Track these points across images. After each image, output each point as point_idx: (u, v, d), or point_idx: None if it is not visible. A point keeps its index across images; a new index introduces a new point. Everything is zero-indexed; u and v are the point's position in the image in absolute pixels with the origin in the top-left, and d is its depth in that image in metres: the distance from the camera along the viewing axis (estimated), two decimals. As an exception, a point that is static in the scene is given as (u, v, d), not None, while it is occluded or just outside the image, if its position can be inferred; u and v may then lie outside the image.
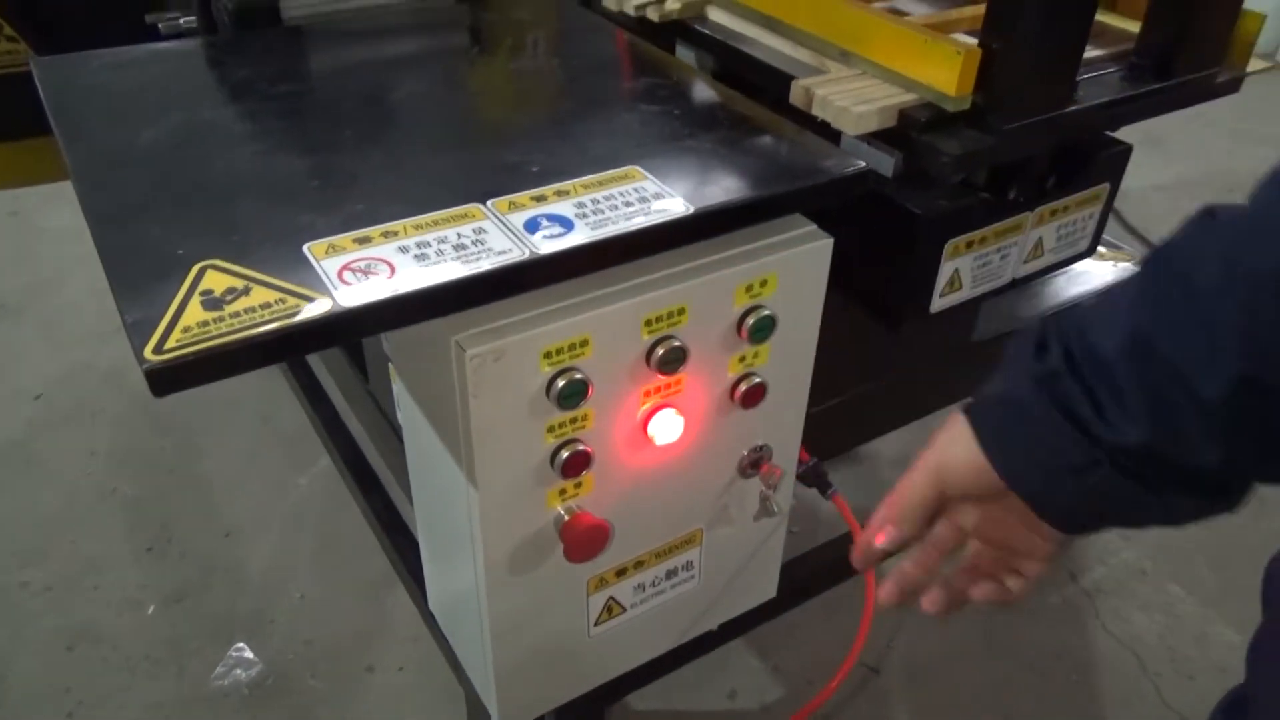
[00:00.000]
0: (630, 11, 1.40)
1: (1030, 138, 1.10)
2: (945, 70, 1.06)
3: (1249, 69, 1.30)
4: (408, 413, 1.05)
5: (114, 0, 1.61)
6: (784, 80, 1.19)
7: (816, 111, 1.11)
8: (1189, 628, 1.85)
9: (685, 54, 1.41)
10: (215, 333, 0.72)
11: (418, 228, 0.86)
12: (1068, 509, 0.63)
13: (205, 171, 0.95)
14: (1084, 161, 1.29)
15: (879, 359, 1.45)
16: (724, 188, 0.94)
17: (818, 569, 1.55)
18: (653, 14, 1.39)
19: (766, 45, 1.30)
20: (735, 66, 1.30)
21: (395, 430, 1.19)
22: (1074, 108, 1.11)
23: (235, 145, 1.01)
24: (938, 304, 1.25)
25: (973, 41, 1.07)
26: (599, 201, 0.90)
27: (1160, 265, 0.59)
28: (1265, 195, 0.55)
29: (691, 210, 0.89)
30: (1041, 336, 0.62)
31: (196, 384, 0.71)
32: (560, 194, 0.91)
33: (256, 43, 1.32)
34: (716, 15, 1.39)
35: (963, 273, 1.24)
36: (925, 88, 1.09)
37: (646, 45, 1.34)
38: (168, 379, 0.70)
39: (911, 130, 1.08)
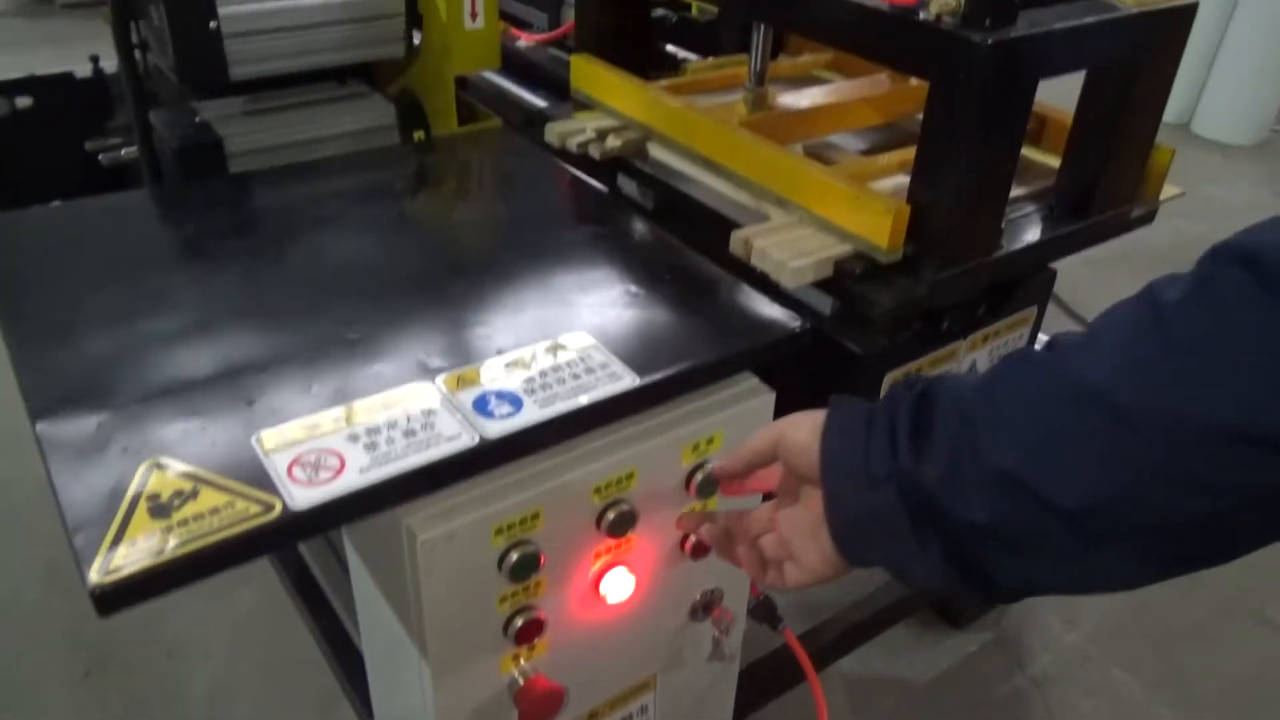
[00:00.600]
0: (573, 149, 1.44)
1: (960, 285, 1.15)
2: (877, 225, 1.11)
3: (1163, 196, 1.37)
4: (360, 579, 1.05)
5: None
6: (724, 224, 1.23)
7: (755, 262, 1.15)
8: (1135, 713, 1.89)
9: (628, 187, 1.46)
10: (162, 546, 0.72)
11: (368, 411, 0.86)
12: (847, 516, 0.69)
13: (149, 352, 0.95)
14: (1012, 289, 1.34)
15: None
16: (670, 353, 0.96)
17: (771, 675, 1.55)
18: (594, 151, 1.42)
19: (707, 185, 1.34)
20: (676, 206, 1.34)
21: (340, 559, 1.19)
22: (1000, 253, 1.17)
23: (180, 319, 1.01)
24: None
25: (906, 182, 1.12)
26: (547, 374, 0.92)
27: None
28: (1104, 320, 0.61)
29: (639, 383, 0.92)
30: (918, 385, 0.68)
31: (144, 600, 0.71)
32: (509, 366, 0.93)
33: (201, 195, 1.32)
34: (657, 153, 1.43)
35: None
36: (859, 239, 1.14)
37: (594, 188, 1.37)
38: (115, 599, 0.69)
39: (847, 280, 1.13)
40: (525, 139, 1.54)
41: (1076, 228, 1.24)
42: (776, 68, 1.61)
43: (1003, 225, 1.18)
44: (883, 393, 1.22)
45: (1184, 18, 1.18)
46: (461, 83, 1.64)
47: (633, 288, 1.09)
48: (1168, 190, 1.38)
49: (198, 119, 1.50)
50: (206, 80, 1.43)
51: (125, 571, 0.69)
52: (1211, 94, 4.50)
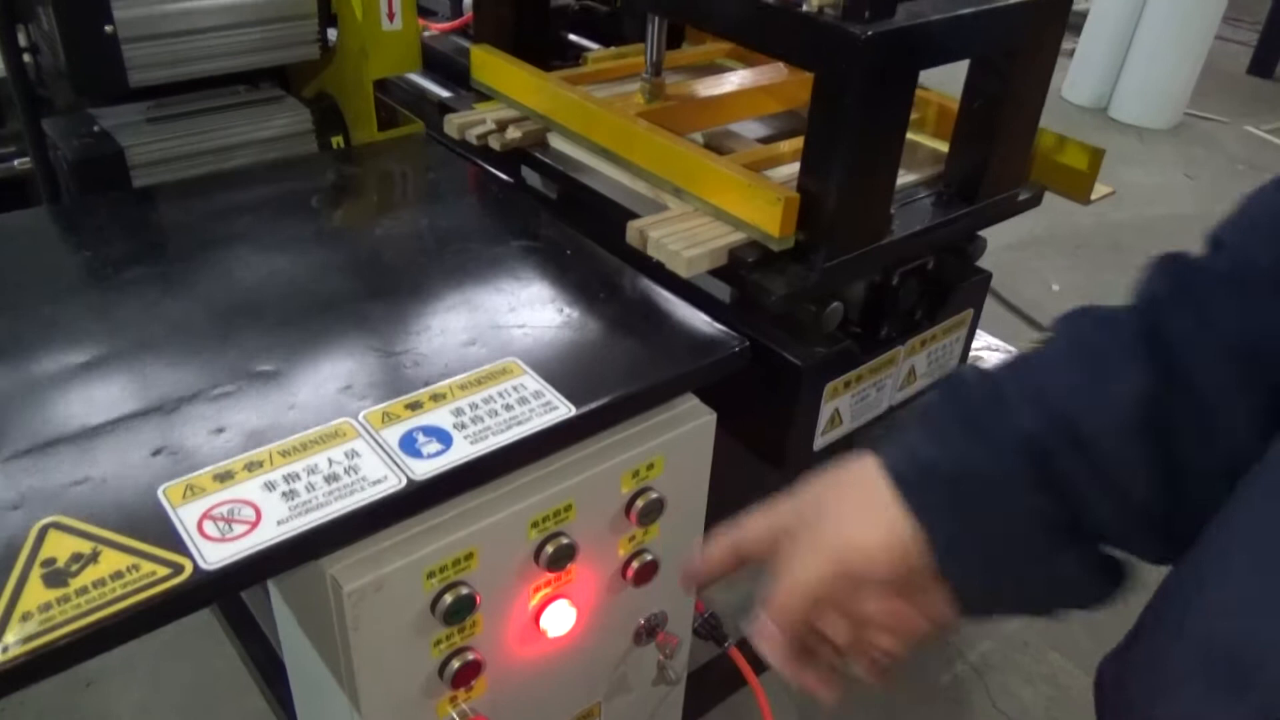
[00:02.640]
0: (473, 141, 1.42)
1: (851, 271, 1.18)
2: (768, 214, 1.12)
3: (1094, 196, 1.37)
4: (286, 626, 0.99)
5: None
6: (623, 214, 1.24)
7: (651, 253, 1.15)
8: (1074, 697, 1.93)
9: (531, 178, 1.45)
10: (60, 619, 0.66)
11: (285, 455, 0.82)
12: (1005, 596, 0.60)
13: (40, 393, 0.88)
14: (948, 293, 1.35)
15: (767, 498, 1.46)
16: (608, 378, 0.93)
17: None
18: (494, 142, 1.41)
19: (606, 176, 1.34)
20: (577, 197, 1.33)
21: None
22: (890, 239, 1.19)
23: (75, 354, 0.94)
24: (820, 442, 1.28)
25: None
26: (477, 406, 0.88)
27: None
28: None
29: (575, 413, 0.88)
30: (996, 391, 0.59)
31: (39, 679, 0.65)
32: (436, 398, 0.89)
33: (100, 212, 1.25)
34: (558, 144, 1.42)
35: (842, 411, 1.29)
36: (752, 228, 1.16)
37: (523, 200, 1.35)
38: (9, 682, 0.63)
39: (741, 269, 1.14)
40: (446, 147, 1.50)
41: (965, 211, 1.28)
42: (677, 56, 1.63)
43: (892, 211, 1.21)
44: (823, 402, 1.22)
45: (1060, 6, 1.23)
46: (380, 83, 1.58)
47: (565, 307, 1.05)
48: (1099, 190, 1.42)
49: (96, 128, 1.40)
50: (102, 89, 1.36)
51: (17, 652, 0.63)
52: (1127, 79, 4.64)
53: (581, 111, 1.35)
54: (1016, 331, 2.90)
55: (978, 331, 1.50)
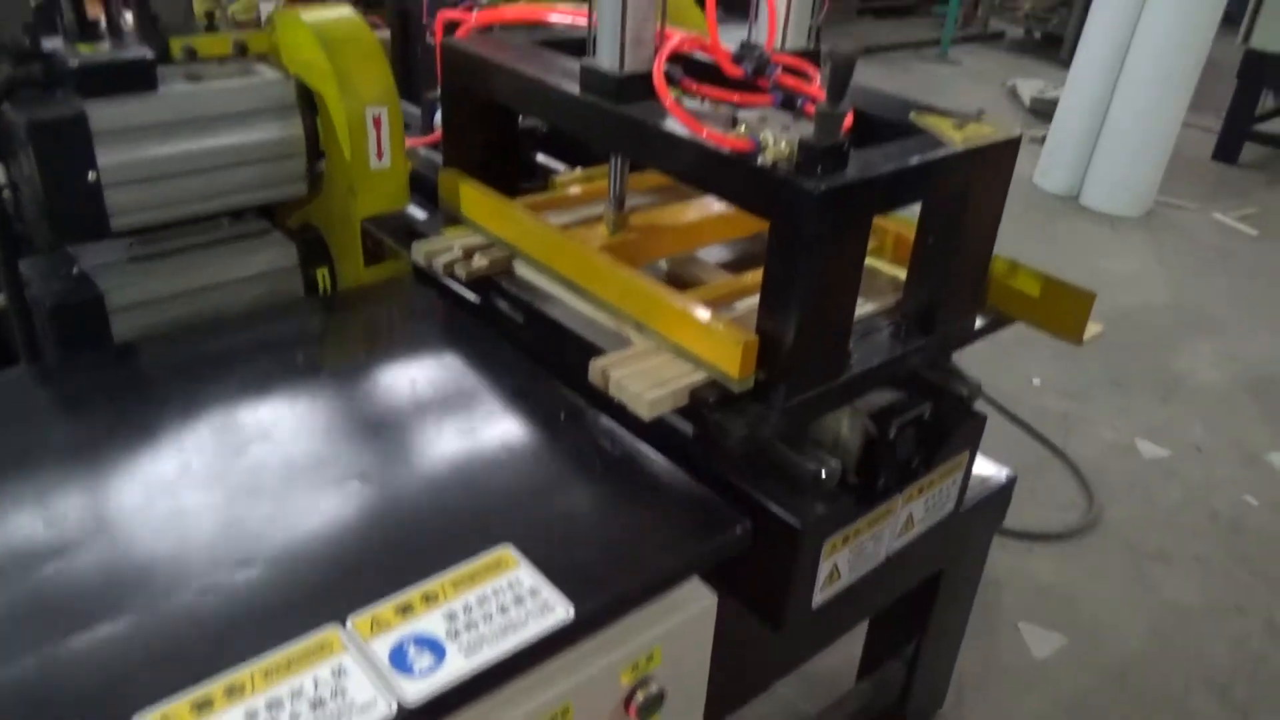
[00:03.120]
0: (440, 270, 1.45)
1: (812, 409, 1.21)
2: (728, 356, 1.16)
3: (1086, 337, 1.42)
4: None
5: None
6: (586, 348, 1.27)
7: (613, 393, 1.18)
8: None
9: (500, 305, 1.47)
10: None
11: (267, 676, 0.77)
12: None
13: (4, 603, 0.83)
14: (944, 438, 1.34)
15: (765, 662, 1.43)
16: (607, 566, 0.91)
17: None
18: (460, 270, 1.44)
19: (570, 307, 1.38)
20: (542, 328, 1.36)
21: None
22: (849, 375, 1.23)
23: (26, 553, 0.88)
24: (819, 599, 1.28)
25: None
26: (471, 609, 0.86)
27: None
28: None
29: (572, 616, 0.86)
30: None
31: None
32: (428, 599, 0.86)
33: (74, 378, 1.21)
34: (524, 271, 1.46)
35: (841, 565, 1.29)
36: (712, 368, 1.19)
37: (513, 357, 1.33)
38: None
39: (702, 409, 1.16)
40: (434, 285, 1.50)
41: (922, 344, 1.31)
42: (643, 179, 1.66)
43: (851, 345, 1.24)
44: (822, 559, 1.22)
45: (1007, 150, 1.28)
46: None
47: (560, 483, 1.04)
48: (1091, 329, 1.44)
49: (76, 269, 1.39)
50: (84, 235, 1.35)
51: None
52: (1097, 168, 4.76)
53: (545, 242, 1.39)
54: (997, 425, 2.92)
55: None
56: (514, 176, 1.64)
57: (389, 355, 1.39)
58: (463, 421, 1.16)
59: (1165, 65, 4.42)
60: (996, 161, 1.28)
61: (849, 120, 1.20)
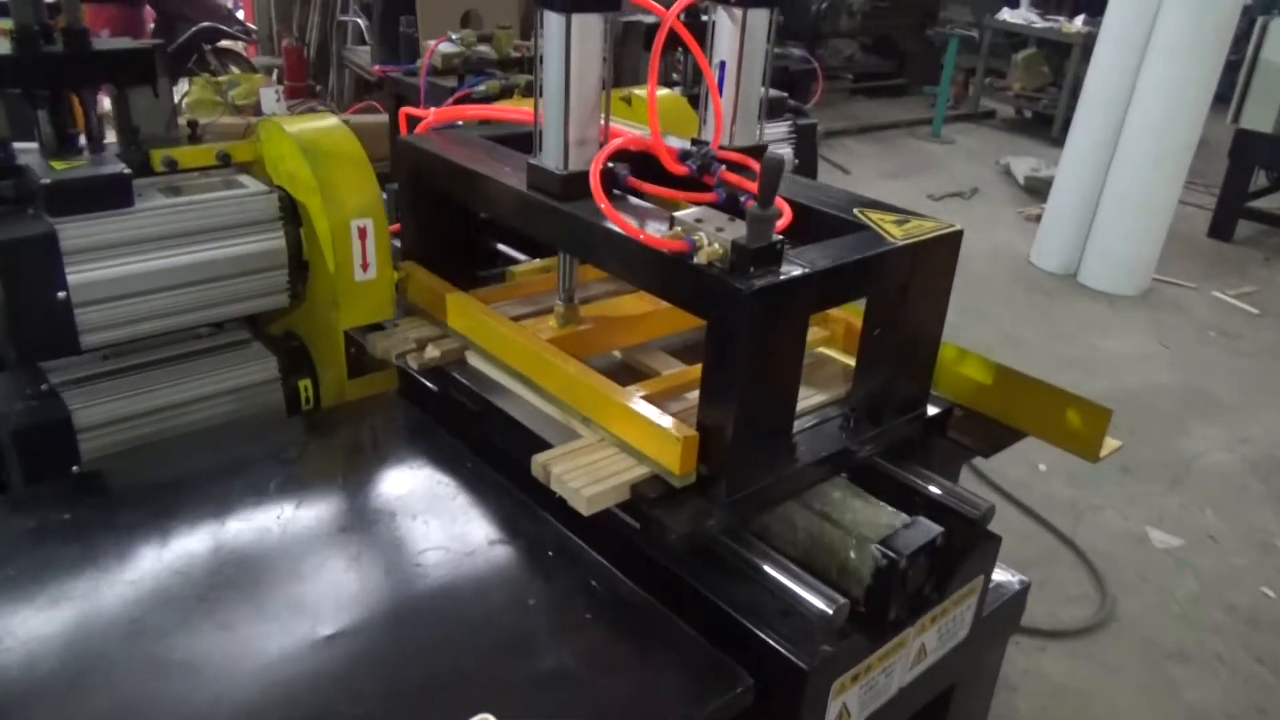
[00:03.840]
0: (393, 360, 1.47)
1: (756, 503, 1.21)
2: (669, 451, 1.17)
3: (1103, 453, 1.40)
4: None
5: None
6: (531, 441, 1.28)
7: (554, 488, 1.19)
8: None
9: (454, 394, 1.47)
10: None
11: None
12: None
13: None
14: (958, 563, 1.26)
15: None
16: None
17: None
18: (412, 361, 1.46)
19: (520, 398, 1.39)
20: (491, 420, 1.37)
21: None
22: (794, 468, 1.23)
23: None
24: None
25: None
26: None
27: None
28: None
29: None
30: None
31: None
32: None
33: (47, 501, 1.17)
34: (475, 362, 1.47)
35: (851, 705, 1.19)
36: (654, 463, 1.20)
37: (499, 484, 1.30)
38: None
39: (643, 504, 1.17)
40: (418, 409, 1.47)
41: (871, 434, 1.32)
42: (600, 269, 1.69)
43: (796, 439, 1.25)
44: (830, 700, 1.15)
45: (949, 243, 1.30)
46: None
47: (545, 635, 1.02)
48: (1109, 445, 1.42)
49: (45, 385, 1.35)
50: (51, 354, 1.32)
51: None
52: (1095, 246, 4.74)
53: (496, 335, 1.41)
54: (1003, 513, 2.83)
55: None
56: (473, 266, 1.68)
57: (364, 485, 1.34)
58: (443, 563, 1.14)
59: (1159, 144, 4.48)
60: (938, 256, 1.30)
61: (787, 218, 1.23)
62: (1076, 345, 4.08)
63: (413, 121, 1.68)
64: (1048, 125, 7.72)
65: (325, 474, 1.34)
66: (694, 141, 1.49)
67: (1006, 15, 7.97)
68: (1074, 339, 4.16)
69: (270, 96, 5.79)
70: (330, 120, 1.53)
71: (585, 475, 1.17)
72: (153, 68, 1.55)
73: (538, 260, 1.74)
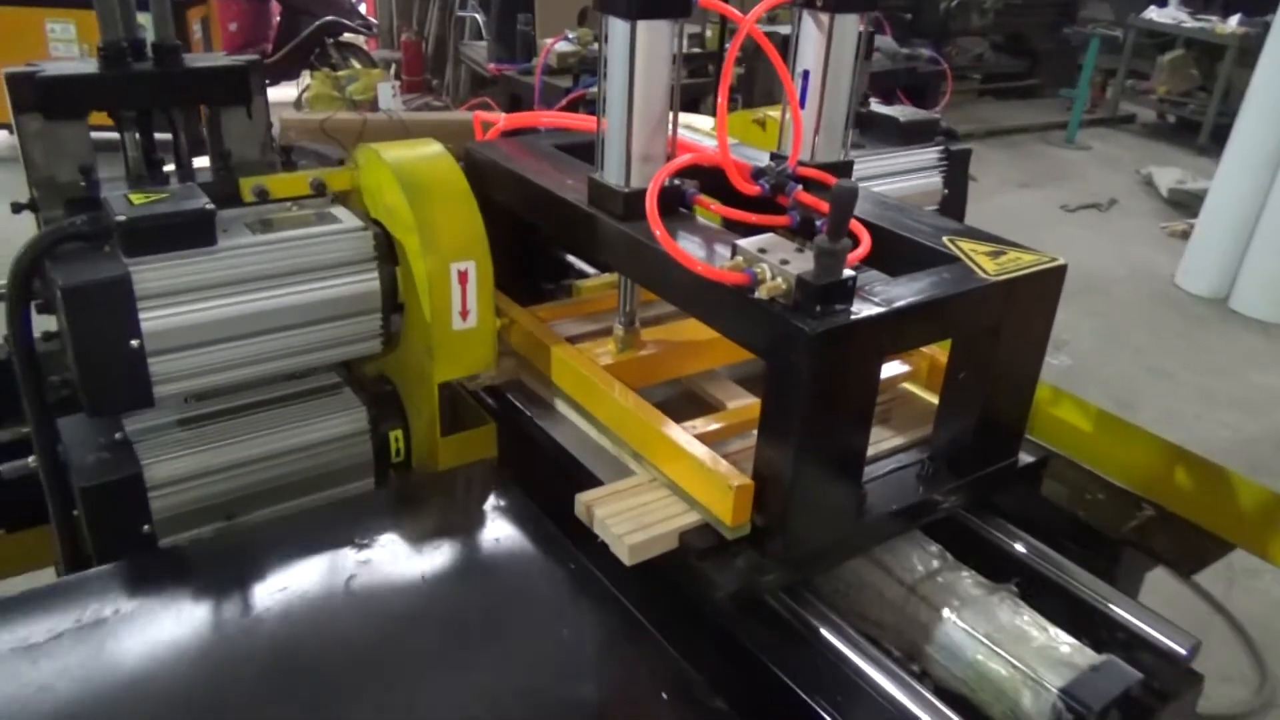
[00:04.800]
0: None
1: (816, 561, 1.13)
2: (721, 500, 1.09)
3: None
4: None
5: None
6: (583, 475, 1.23)
7: (596, 531, 1.13)
8: None
9: (505, 419, 1.43)
10: None
11: None
12: None
13: None
14: (1153, 714, 1.07)
15: None
16: None
17: None
18: (469, 382, 1.42)
19: (573, 425, 1.34)
20: (542, 448, 1.32)
21: None
22: (861, 523, 1.14)
23: None
24: None
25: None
26: None
27: None
28: None
29: None
30: None
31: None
32: None
33: (126, 580, 1.12)
34: (531, 384, 1.42)
35: None
36: (705, 509, 1.12)
37: (600, 583, 1.16)
38: None
39: (690, 556, 1.09)
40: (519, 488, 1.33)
41: (952, 486, 1.22)
42: None
43: (865, 489, 1.15)
44: None
45: (1051, 280, 1.18)
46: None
47: None
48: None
49: (119, 434, 1.27)
50: (122, 407, 1.24)
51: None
52: (1249, 271, 4.39)
53: (553, 359, 1.35)
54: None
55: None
56: (537, 278, 1.63)
57: (452, 575, 1.21)
58: (532, 684, 1.03)
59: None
60: (1037, 293, 1.18)
61: (864, 248, 1.14)
62: (1230, 380, 3.76)
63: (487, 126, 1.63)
64: (1193, 132, 7.26)
65: (413, 558, 1.19)
66: (772, 156, 1.40)
67: (1153, 14, 7.51)
68: (1227, 373, 3.84)
69: (387, 91, 5.93)
70: (434, 147, 1.38)
71: (631, 520, 1.10)
72: (247, 87, 1.50)
73: (605, 275, 1.67)
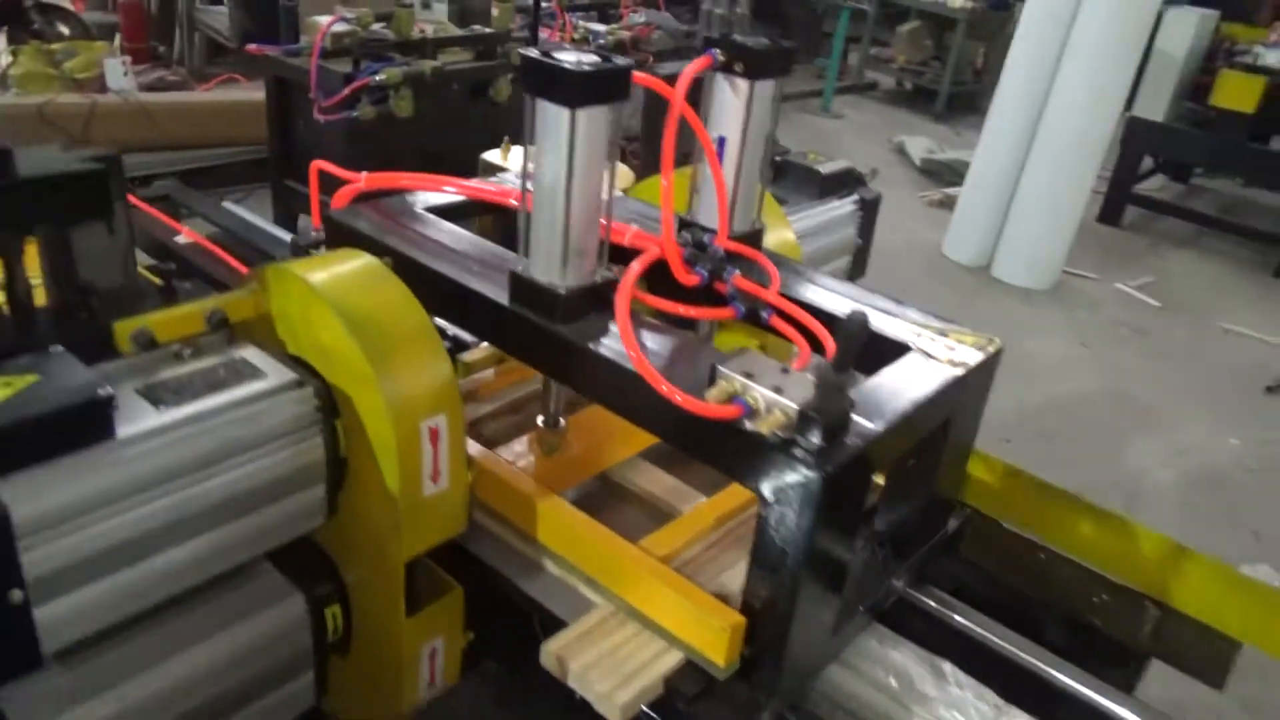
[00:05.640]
0: None
1: (805, 683, 1.11)
2: (714, 642, 1.02)
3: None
4: None
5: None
6: (549, 620, 1.12)
7: (573, 685, 1.02)
8: None
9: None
10: None
11: None
12: None
13: None
14: None
15: None
16: None
17: None
18: None
19: (505, 542, 1.21)
20: (504, 594, 1.19)
21: None
22: (850, 630, 1.14)
23: None
24: None
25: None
26: None
27: None
28: None
29: None
30: None
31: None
32: None
33: None
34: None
35: None
36: (689, 648, 1.05)
37: None
38: None
39: (678, 700, 1.03)
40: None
41: (903, 568, 1.23)
42: None
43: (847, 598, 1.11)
44: None
45: (994, 362, 1.23)
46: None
47: None
48: None
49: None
50: (4, 673, 0.93)
51: None
52: (1009, 240, 4.77)
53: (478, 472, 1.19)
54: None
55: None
56: None
57: None
58: None
59: (1079, 133, 4.50)
60: (984, 378, 1.21)
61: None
62: (1005, 349, 4.01)
63: (327, 181, 1.37)
64: (930, 100, 7.81)
65: None
66: (684, 224, 1.31)
67: (894, -14, 8.01)
68: (995, 337, 4.09)
69: (117, 69, 5.19)
70: (362, 261, 1.13)
71: (609, 670, 1.01)
72: (106, 193, 1.12)
73: (485, 344, 1.47)
